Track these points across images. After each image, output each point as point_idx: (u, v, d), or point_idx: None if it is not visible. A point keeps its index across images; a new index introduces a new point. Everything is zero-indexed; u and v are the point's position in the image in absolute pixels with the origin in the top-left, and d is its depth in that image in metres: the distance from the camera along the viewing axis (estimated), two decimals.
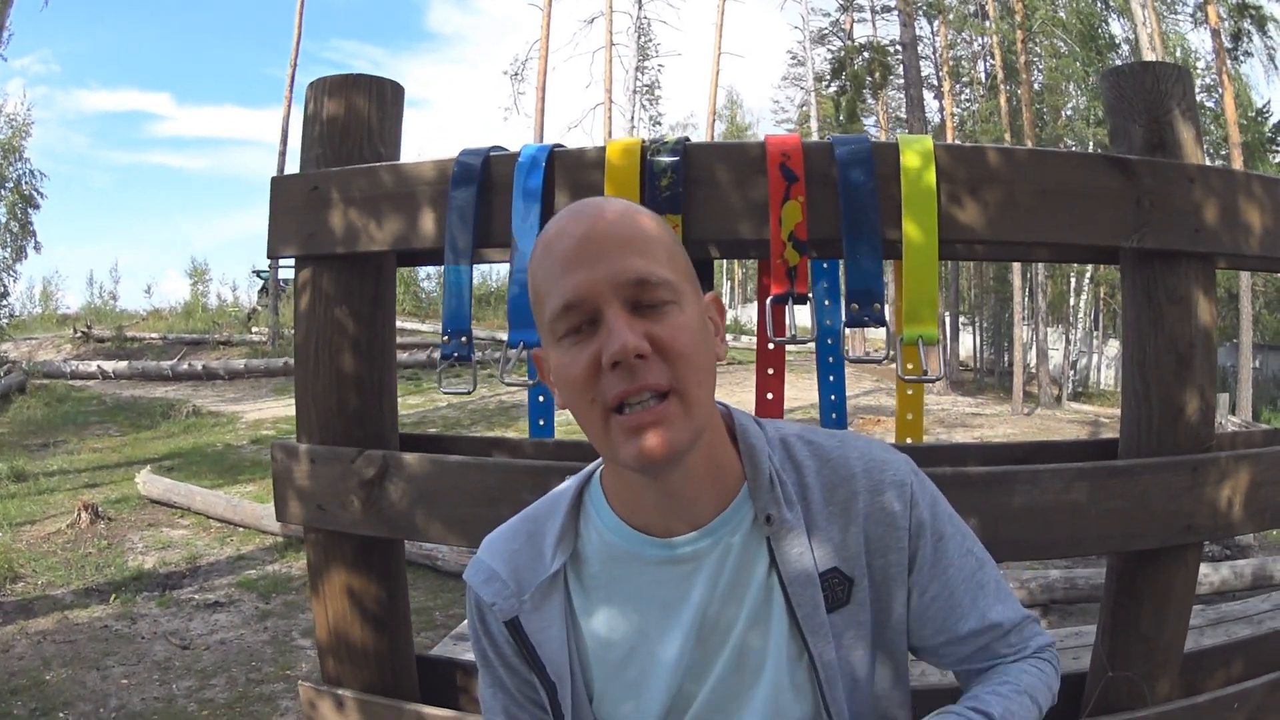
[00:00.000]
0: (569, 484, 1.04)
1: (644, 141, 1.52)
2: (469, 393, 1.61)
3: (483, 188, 1.56)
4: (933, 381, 1.47)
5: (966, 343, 29.20)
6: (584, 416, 0.87)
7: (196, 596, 5.62)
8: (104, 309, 27.27)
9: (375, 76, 1.74)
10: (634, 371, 0.82)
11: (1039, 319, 20.70)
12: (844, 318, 1.46)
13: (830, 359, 1.66)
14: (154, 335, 19.45)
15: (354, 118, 1.72)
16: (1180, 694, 1.70)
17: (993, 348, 28.06)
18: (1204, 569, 5.04)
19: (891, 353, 1.49)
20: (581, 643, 0.99)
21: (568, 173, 1.54)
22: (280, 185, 1.75)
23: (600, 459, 1.04)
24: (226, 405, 13.69)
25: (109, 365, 16.24)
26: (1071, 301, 24.65)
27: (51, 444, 11.20)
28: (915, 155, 1.41)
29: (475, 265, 1.66)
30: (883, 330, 1.58)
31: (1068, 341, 24.11)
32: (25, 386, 14.24)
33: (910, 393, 1.54)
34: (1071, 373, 23.20)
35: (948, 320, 23.67)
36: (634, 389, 0.83)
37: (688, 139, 1.53)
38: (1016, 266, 19.76)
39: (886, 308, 1.46)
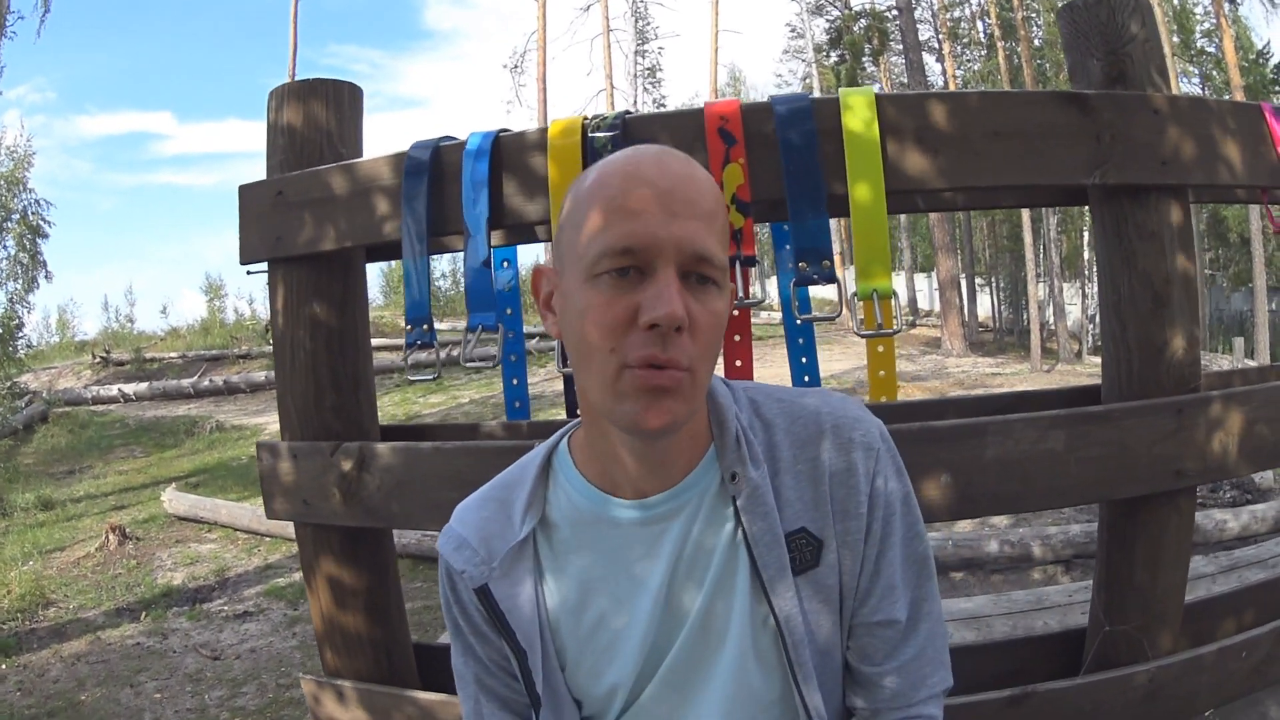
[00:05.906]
0: (537, 450, 1.03)
1: (585, 119, 1.50)
2: (435, 378, 1.62)
3: (434, 179, 1.56)
4: (891, 335, 1.44)
5: (985, 303, 28.97)
6: (595, 361, 0.84)
7: (226, 608, 5.69)
8: (121, 332, 27.49)
9: (333, 80, 1.74)
10: (667, 341, 0.81)
11: (1054, 275, 20.47)
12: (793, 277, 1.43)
13: (798, 322, 1.63)
14: (173, 354, 19.62)
15: (313, 122, 1.72)
16: (1187, 646, 1.65)
17: (1011, 307, 27.83)
18: (1223, 515, 4.96)
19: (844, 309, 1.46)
20: (552, 608, 0.98)
21: (512, 156, 1.53)
22: (247, 192, 1.76)
23: (568, 425, 1.04)
24: (249, 418, 13.80)
25: (130, 388, 16.40)
26: (1086, 255, 24.28)
27: (77, 470, 11.35)
28: (857, 108, 1.37)
29: (445, 254, 1.65)
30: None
31: (1084, 295, 23.80)
32: (47, 416, 14.38)
33: (881, 350, 1.49)
34: (1090, 326, 22.91)
35: (963, 282, 23.42)
36: (663, 359, 0.81)
37: (629, 112, 1.50)
38: (1027, 223, 19.56)
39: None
